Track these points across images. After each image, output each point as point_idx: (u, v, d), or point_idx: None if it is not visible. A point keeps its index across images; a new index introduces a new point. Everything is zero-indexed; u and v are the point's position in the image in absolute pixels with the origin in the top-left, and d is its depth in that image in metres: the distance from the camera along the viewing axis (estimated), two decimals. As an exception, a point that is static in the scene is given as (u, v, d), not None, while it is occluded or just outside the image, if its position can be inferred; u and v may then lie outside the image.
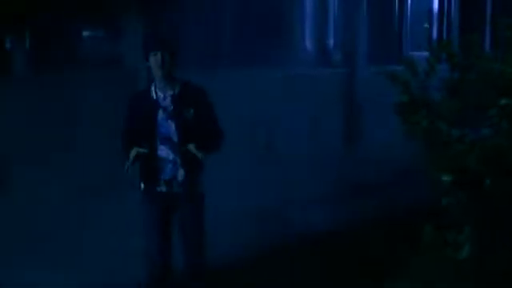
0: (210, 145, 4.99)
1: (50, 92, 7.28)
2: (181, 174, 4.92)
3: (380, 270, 5.88)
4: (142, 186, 5.05)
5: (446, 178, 5.56)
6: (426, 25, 14.40)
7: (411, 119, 5.80)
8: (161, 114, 4.93)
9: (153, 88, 4.98)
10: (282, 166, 9.31)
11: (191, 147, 4.84)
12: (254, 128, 9.50)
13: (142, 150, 4.85)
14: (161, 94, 4.95)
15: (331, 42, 11.59)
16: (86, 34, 8.35)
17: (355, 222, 7.78)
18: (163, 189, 4.98)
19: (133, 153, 4.85)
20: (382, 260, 6.18)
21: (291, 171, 9.23)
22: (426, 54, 12.38)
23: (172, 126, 4.92)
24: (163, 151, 4.94)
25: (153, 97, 4.95)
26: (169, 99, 4.93)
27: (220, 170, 8.33)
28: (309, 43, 11.13)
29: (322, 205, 8.46)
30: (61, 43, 7.76)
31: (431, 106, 5.81)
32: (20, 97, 7.11)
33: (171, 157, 4.94)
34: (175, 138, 4.92)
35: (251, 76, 9.68)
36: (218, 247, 5.42)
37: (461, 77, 5.91)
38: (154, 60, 4.85)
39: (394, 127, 5.71)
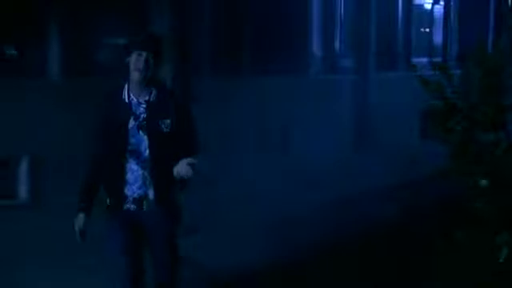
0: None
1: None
2: (151, 193, 4.20)
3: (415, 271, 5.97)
4: (108, 201, 4.29)
5: (482, 182, 5.64)
6: (426, 29, 14.51)
7: (446, 124, 5.90)
8: (132, 122, 4.17)
9: (125, 89, 4.21)
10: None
11: (182, 169, 4.10)
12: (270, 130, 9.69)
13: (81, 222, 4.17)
14: (134, 98, 4.20)
15: (343, 49, 11.75)
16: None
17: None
18: (131, 207, 4.22)
19: (77, 224, 4.18)
20: (416, 260, 6.26)
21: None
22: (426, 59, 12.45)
23: (144, 138, 4.16)
24: (132, 165, 4.18)
25: (124, 99, 4.19)
26: (143, 106, 4.18)
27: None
28: (323, 51, 11.27)
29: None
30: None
31: (465, 111, 5.91)
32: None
33: (141, 172, 4.19)
34: (146, 153, 4.17)
35: (267, 82, 9.81)
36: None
37: (494, 81, 6.01)
38: (136, 59, 4.14)
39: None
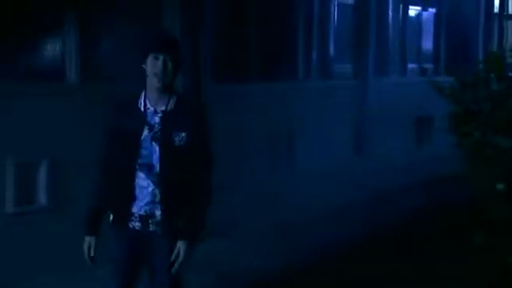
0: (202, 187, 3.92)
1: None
2: (158, 212, 3.88)
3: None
4: (111, 217, 3.99)
5: (500, 186, 5.79)
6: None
7: (462, 130, 6.06)
8: (145, 133, 3.86)
9: (142, 97, 3.91)
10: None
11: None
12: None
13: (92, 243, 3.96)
14: (150, 108, 3.89)
15: (344, 56, 11.95)
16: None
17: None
18: (136, 226, 3.92)
19: (85, 249, 3.98)
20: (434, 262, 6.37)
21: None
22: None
23: (156, 150, 3.84)
24: (141, 180, 3.87)
25: (139, 107, 3.89)
26: (159, 115, 3.87)
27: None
28: (324, 58, 11.45)
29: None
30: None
31: (481, 117, 6.07)
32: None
33: (150, 188, 3.87)
34: (157, 167, 3.85)
35: (273, 88, 9.95)
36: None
37: (508, 88, 6.18)
38: (154, 64, 3.82)
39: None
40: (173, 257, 3.83)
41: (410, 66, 13.78)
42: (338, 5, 11.76)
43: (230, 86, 9.22)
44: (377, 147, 11.68)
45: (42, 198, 6.97)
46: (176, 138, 3.83)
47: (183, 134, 3.83)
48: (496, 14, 16.07)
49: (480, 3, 15.32)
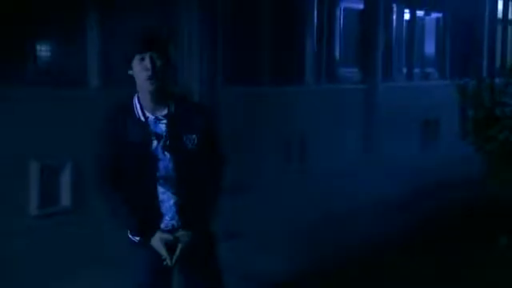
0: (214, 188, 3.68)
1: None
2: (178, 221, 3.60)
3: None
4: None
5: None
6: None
7: (486, 134, 6.16)
8: (155, 144, 3.51)
9: (137, 105, 3.51)
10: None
11: None
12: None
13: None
14: (150, 116, 3.51)
15: (353, 61, 12.08)
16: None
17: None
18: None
19: (158, 246, 3.55)
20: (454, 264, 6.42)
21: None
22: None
23: (169, 159, 3.52)
24: (161, 194, 3.56)
25: (139, 118, 3.50)
26: (163, 122, 3.51)
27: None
28: (334, 62, 11.58)
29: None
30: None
31: (504, 120, 6.18)
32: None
33: (172, 201, 3.56)
34: (175, 176, 3.54)
35: (284, 92, 10.05)
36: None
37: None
38: (141, 66, 3.42)
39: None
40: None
41: (416, 70, 13.93)
42: (346, 10, 11.90)
43: (242, 89, 9.31)
44: (386, 149, 11.81)
45: (66, 200, 7.04)
46: (188, 142, 3.52)
47: (193, 137, 3.52)
48: (500, 19, 16.26)
49: (485, 9, 15.46)
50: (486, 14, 15.49)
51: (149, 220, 3.54)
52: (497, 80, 7.08)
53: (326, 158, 10.50)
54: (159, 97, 3.47)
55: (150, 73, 3.39)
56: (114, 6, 7.60)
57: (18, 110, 6.65)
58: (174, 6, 8.19)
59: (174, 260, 3.54)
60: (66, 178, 7.01)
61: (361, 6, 12.12)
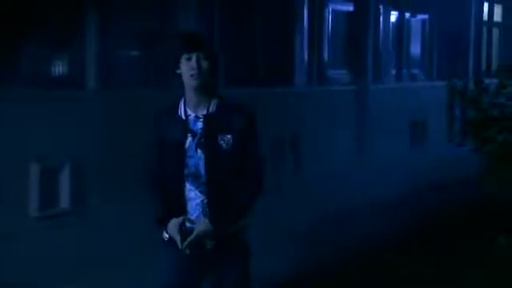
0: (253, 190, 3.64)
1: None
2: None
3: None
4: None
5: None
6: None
7: (484, 134, 6.23)
8: (189, 140, 3.59)
9: (182, 105, 3.64)
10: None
11: None
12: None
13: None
14: (191, 114, 3.62)
15: (343, 62, 12.16)
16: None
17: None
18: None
19: (172, 231, 3.59)
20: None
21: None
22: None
23: (202, 157, 3.58)
24: (188, 191, 3.60)
25: (180, 115, 3.62)
26: (201, 120, 3.60)
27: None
28: (326, 65, 11.65)
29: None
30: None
31: (503, 121, 6.26)
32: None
33: (199, 199, 3.60)
34: (205, 175, 3.58)
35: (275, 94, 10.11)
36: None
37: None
38: (187, 66, 3.55)
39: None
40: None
41: (404, 71, 14.03)
42: (335, 12, 11.97)
43: (234, 91, 9.33)
44: (377, 149, 11.90)
45: (65, 201, 7.03)
46: (222, 142, 3.55)
47: (229, 137, 3.55)
48: (485, 21, 16.48)
49: (471, 11, 15.62)
50: (472, 16, 15.66)
51: (173, 214, 3.59)
52: (487, 81, 7.20)
53: (319, 159, 10.57)
54: (202, 95, 3.59)
55: (195, 71, 3.54)
56: (112, 6, 7.61)
57: (17, 111, 6.63)
58: (171, 7, 8.22)
59: (185, 244, 3.54)
60: (65, 180, 7.01)
61: (350, 8, 12.22)
